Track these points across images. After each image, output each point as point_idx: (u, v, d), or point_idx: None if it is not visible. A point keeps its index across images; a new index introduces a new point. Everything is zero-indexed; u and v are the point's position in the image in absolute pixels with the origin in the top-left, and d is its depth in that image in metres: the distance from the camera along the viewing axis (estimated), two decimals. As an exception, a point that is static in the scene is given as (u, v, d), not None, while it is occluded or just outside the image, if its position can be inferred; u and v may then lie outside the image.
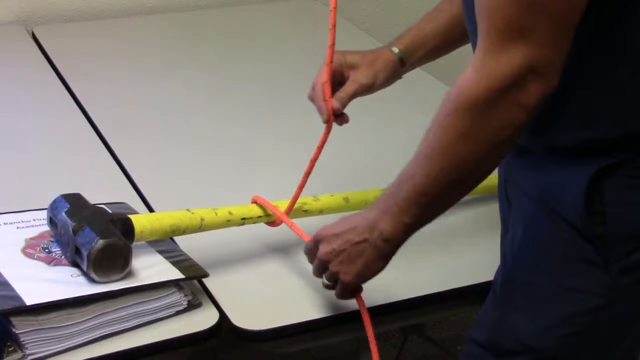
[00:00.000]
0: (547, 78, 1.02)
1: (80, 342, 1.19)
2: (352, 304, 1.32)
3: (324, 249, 1.20)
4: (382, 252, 1.16)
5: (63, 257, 1.28)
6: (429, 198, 1.11)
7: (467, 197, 1.58)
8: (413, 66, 1.42)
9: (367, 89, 1.36)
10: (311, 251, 1.24)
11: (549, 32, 1.00)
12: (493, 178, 1.57)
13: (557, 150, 1.15)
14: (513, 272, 1.21)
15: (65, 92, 1.90)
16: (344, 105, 1.33)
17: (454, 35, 1.39)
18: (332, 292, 1.27)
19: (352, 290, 1.23)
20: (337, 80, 1.35)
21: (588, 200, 1.11)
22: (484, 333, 1.22)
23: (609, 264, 1.12)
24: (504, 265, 1.23)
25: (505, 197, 1.27)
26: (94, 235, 1.22)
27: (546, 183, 1.16)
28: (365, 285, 1.37)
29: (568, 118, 1.12)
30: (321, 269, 1.23)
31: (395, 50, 1.39)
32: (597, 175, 1.10)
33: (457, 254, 1.47)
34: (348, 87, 1.34)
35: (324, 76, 1.32)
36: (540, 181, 1.18)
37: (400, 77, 1.42)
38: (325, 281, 1.25)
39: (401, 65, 1.39)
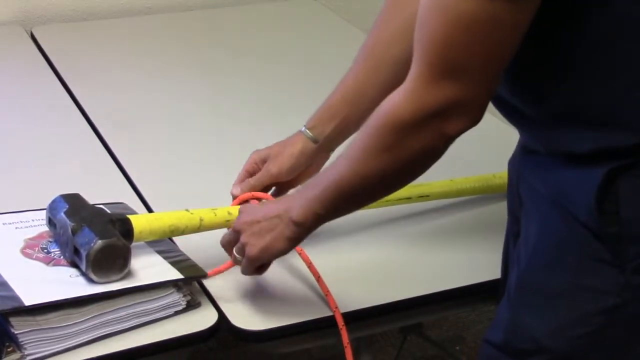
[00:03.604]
0: (471, 114, 1.07)
1: (79, 342, 1.19)
2: (353, 305, 1.32)
3: (243, 218, 1.25)
4: (290, 233, 1.20)
5: (62, 257, 1.28)
6: (344, 196, 1.17)
7: (468, 198, 1.59)
8: (336, 140, 1.41)
9: (276, 178, 1.40)
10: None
11: (480, 72, 1.05)
12: (492, 179, 1.58)
13: (569, 156, 1.15)
14: (527, 272, 1.21)
15: (64, 92, 1.90)
16: (248, 189, 1.40)
17: (367, 98, 1.37)
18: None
19: (256, 266, 1.26)
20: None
21: (601, 201, 1.11)
22: (499, 334, 1.22)
23: (623, 264, 1.12)
24: (518, 266, 1.22)
25: (517, 194, 1.27)
26: (93, 236, 1.22)
27: (558, 183, 1.16)
28: (365, 285, 1.37)
29: (581, 130, 1.12)
30: (233, 240, 1.27)
31: (305, 130, 1.40)
32: (609, 175, 1.10)
33: (456, 253, 1.47)
34: (259, 175, 1.41)
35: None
36: (552, 181, 1.18)
37: (330, 151, 1.42)
38: (236, 255, 1.27)
39: (314, 143, 1.39)
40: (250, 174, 1.42)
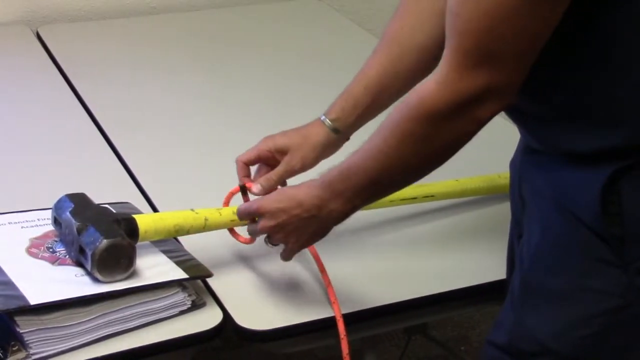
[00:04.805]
0: (504, 98, 1.08)
1: (84, 342, 1.19)
2: (358, 305, 1.32)
3: (267, 223, 1.25)
4: (330, 226, 1.25)
5: (67, 256, 1.28)
6: (379, 187, 1.20)
7: (473, 198, 1.59)
8: (356, 128, 1.40)
9: (299, 172, 1.39)
10: (250, 215, 1.30)
11: (513, 59, 1.06)
12: (497, 179, 1.58)
13: (571, 155, 1.15)
14: (530, 273, 1.20)
15: (70, 91, 1.91)
16: (271, 187, 1.36)
17: (389, 87, 1.36)
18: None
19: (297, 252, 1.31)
20: (271, 164, 1.40)
21: (604, 202, 1.11)
22: (502, 335, 1.22)
23: (626, 264, 1.12)
24: (521, 267, 1.22)
25: (519, 195, 1.27)
26: (98, 235, 1.22)
27: (561, 183, 1.16)
28: (368, 286, 1.37)
29: (584, 129, 1.12)
30: (262, 235, 1.30)
31: (326, 121, 1.38)
32: (612, 176, 1.10)
33: (460, 254, 1.47)
34: (278, 169, 1.38)
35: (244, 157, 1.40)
36: (555, 181, 1.17)
37: (347, 139, 1.41)
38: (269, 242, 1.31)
39: (336, 134, 1.38)
40: (263, 160, 1.39)
